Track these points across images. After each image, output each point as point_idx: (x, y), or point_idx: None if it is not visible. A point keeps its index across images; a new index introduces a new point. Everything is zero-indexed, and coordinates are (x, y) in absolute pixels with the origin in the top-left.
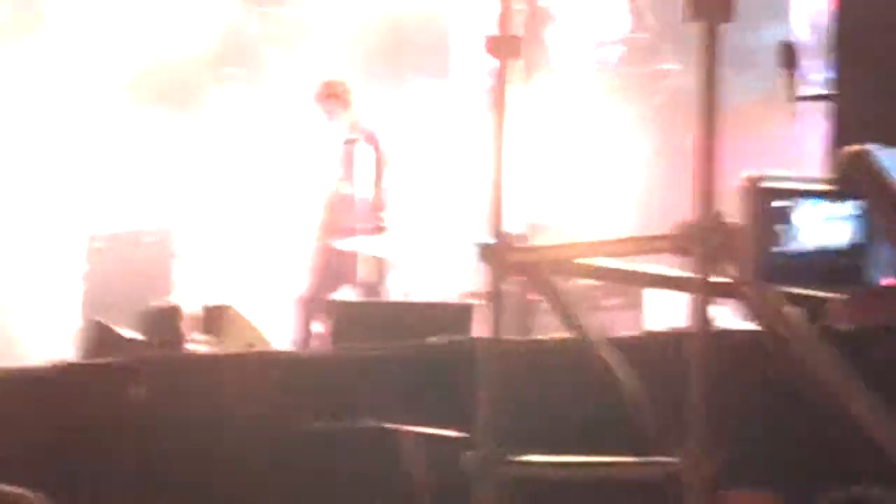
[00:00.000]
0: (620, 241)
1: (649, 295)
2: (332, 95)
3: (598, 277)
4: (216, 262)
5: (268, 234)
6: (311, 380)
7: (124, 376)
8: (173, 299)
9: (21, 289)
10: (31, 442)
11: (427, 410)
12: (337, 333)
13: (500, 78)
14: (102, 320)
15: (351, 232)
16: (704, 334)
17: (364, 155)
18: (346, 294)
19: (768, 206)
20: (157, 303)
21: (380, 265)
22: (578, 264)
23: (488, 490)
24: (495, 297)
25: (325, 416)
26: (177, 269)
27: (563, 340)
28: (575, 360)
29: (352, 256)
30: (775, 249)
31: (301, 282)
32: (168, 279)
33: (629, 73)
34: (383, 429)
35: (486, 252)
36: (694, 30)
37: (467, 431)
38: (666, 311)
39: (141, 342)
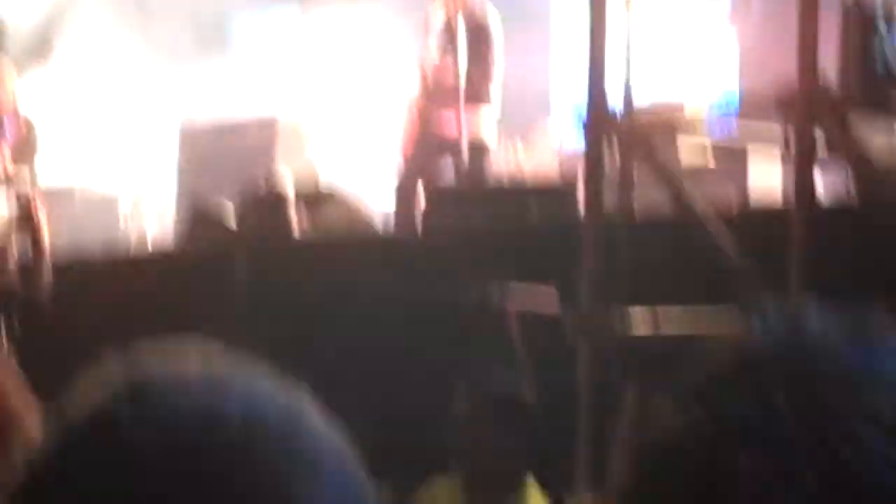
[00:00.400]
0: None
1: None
2: None
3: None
4: (318, 148)
5: (368, 113)
6: (412, 260)
7: (227, 262)
8: (279, 187)
9: (117, 175)
10: (129, 327)
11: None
12: (432, 217)
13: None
14: (204, 208)
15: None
16: (806, 199)
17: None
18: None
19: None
20: (263, 189)
21: (481, 150)
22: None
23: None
24: (597, 164)
25: (430, 291)
26: (280, 159)
27: (665, 214)
28: (677, 231)
29: (452, 140)
30: None
31: (399, 156)
32: (271, 169)
33: None
34: (489, 304)
35: (591, 119)
36: None
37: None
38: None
39: (244, 229)
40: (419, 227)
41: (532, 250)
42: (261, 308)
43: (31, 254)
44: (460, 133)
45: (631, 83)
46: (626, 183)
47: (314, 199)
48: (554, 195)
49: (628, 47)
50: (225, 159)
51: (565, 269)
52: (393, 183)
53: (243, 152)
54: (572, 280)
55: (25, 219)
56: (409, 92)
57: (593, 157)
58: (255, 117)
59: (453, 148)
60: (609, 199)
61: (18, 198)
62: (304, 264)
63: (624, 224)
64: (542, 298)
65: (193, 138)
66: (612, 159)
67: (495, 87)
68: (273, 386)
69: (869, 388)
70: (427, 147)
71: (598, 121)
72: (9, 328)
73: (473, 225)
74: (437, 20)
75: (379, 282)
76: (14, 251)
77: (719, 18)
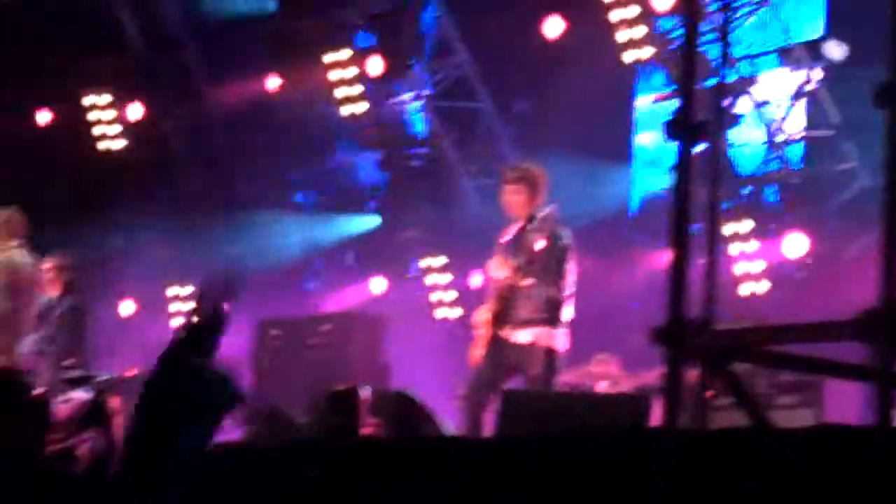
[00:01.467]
0: (805, 326)
1: (830, 392)
2: (522, 180)
3: (780, 365)
4: (390, 348)
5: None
6: (483, 467)
7: (298, 459)
8: (352, 384)
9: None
10: None
11: (602, 499)
12: (506, 422)
13: (685, 159)
14: (276, 404)
15: (525, 324)
16: (885, 428)
17: (544, 246)
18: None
19: None
20: (335, 387)
21: (552, 359)
22: (761, 350)
23: None
24: (673, 382)
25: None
26: (354, 356)
27: (741, 431)
28: (753, 454)
29: (524, 349)
30: None
31: (470, 372)
32: (344, 365)
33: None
34: None
35: (666, 335)
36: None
37: None
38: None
39: (314, 425)
40: (488, 433)
41: (605, 457)
42: None
43: (102, 443)
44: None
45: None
46: (701, 398)
47: (386, 399)
48: (627, 405)
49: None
50: (299, 353)
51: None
52: (462, 390)
53: (319, 347)
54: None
55: (97, 408)
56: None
57: (671, 373)
58: (331, 311)
59: (523, 357)
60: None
61: (90, 387)
62: (372, 464)
63: (698, 440)
64: None
65: (266, 333)
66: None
67: (567, 308)
68: None
69: None
70: (496, 354)
71: (676, 334)
72: None
73: (547, 430)
74: (510, 234)
75: (446, 485)
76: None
77: None
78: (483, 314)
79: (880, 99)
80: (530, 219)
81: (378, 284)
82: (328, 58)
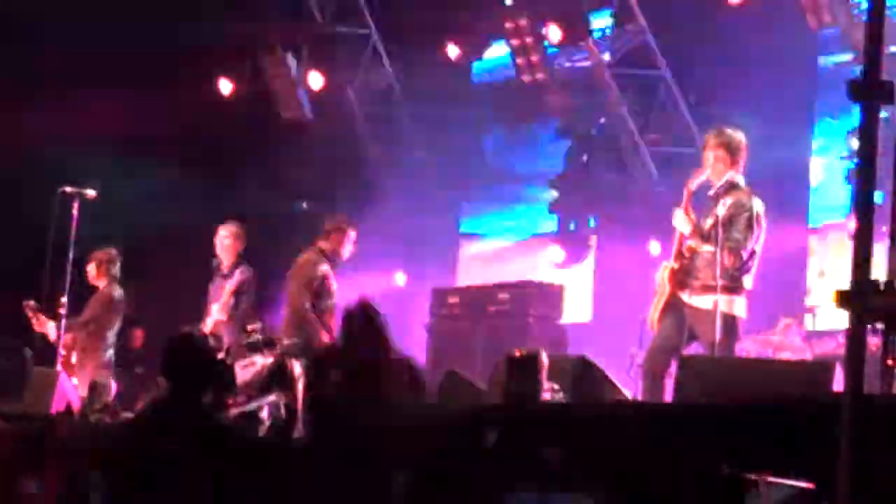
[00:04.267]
0: None
1: None
2: (723, 146)
3: None
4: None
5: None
6: (664, 431)
7: (479, 423)
8: (531, 350)
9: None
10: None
11: (782, 465)
12: (684, 388)
13: (869, 122)
14: (456, 370)
15: (705, 290)
16: None
17: (732, 212)
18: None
19: None
20: (518, 352)
21: (733, 326)
22: None
23: None
24: (856, 345)
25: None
26: (532, 324)
27: None
28: None
29: (704, 314)
30: None
31: (648, 335)
32: (522, 333)
33: None
34: (741, 478)
35: (849, 297)
36: None
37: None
38: None
39: (494, 390)
40: (669, 397)
41: (786, 424)
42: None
43: (283, 410)
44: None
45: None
46: (885, 363)
47: (565, 364)
48: (810, 372)
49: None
50: (474, 321)
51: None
52: (639, 353)
53: (495, 315)
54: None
55: (280, 373)
56: (665, 260)
57: (854, 336)
58: (508, 281)
59: (702, 323)
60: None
61: (274, 351)
62: (552, 429)
63: (885, 407)
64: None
65: (444, 300)
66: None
67: (749, 276)
68: None
69: None
70: (676, 318)
71: (860, 296)
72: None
73: (727, 396)
74: (695, 187)
75: (625, 449)
76: (268, 404)
77: None
78: (664, 272)
79: (854, 92)
80: (725, 184)
81: (555, 253)
82: (508, 25)
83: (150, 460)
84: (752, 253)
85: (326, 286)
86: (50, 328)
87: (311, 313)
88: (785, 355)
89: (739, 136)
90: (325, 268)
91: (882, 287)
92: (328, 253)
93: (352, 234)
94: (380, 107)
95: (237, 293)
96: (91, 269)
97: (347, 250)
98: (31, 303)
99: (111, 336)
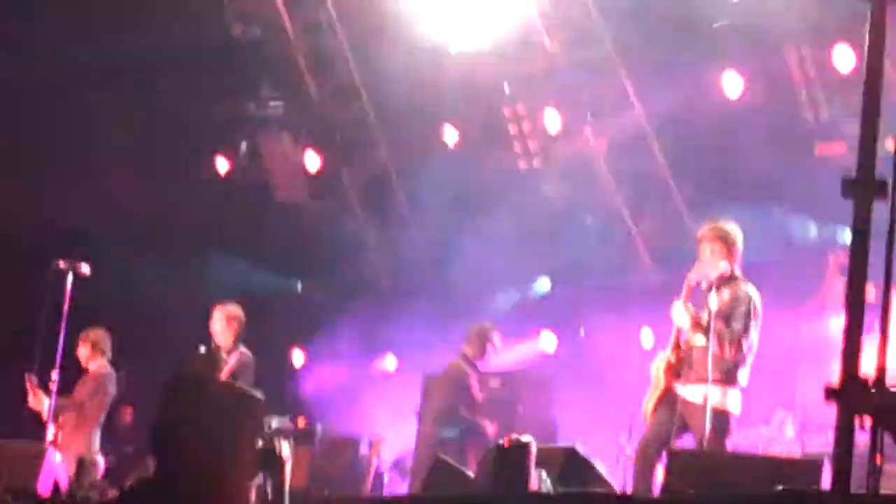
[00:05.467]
0: None
1: None
2: (719, 240)
3: None
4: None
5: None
6: None
7: None
8: (523, 438)
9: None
10: None
11: None
12: (674, 481)
13: (862, 218)
14: (444, 457)
15: (699, 382)
16: None
17: (729, 306)
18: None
19: None
20: (507, 440)
21: (725, 420)
22: None
23: None
24: (844, 441)
25: None
26: (522, 413)
27: None
28: None
29: (696, 407)
30: None
31: (641, 428)
32: (512, 421)
33: None
34: None
35: (838, 393)
36: None
37: None
38: None
39: (484, 479)
40: (658, 489)
41: None
42: None
43: (270, 490)
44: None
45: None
46: (874, 460)
47: (555, 453)
48: (799, 468)
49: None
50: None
51: None
52: (629, 444)
53: (487, 402)
54: None
55: (267, 455)
56: (660, 352)
57: (842, 431)
58: (500, 369)
59: (694, 416)
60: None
61: (262, 433)
62: None
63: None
64: None
65: (433, 386)
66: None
67: (744, 370)
68: None
69: None
70: (669, 409)
71: (850, 394)
72: None
73: (714, 491)
74: (695, 281)
75: None
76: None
77: None
78: (659, 363)
79: (847, 188)
80: (721, 277)
81: (548, 342)
82: (506, 110)
83: None
84: (750, 346)
85: (472, 389)
86: (45, 405)
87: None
88: (776, 450)
89: (735, 229)
90: (470, 372)
91: (871, 383)
92: (471, 357)
93: (495, 337)
94: (376, 190)
95: (233, 375)
96: (82, 349)
97: (490, 352)
98: (33, 377)
99: (101, 416)
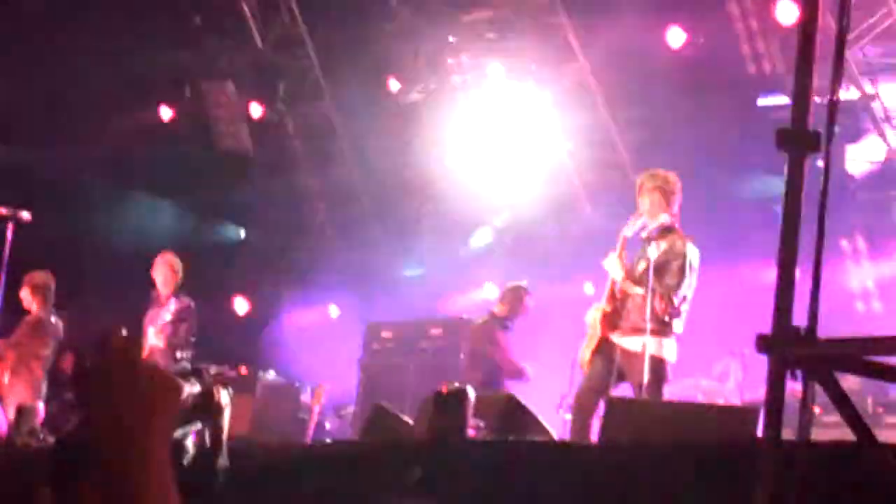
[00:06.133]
0: None
1: None
2: (658, 189)
3: (887, 378)
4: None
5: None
6: (586, 472)
7: (400, 459)
8: (459, 386)
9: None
10: None
11: None
12: (610, 429)
13: (795, 171)
14: (383, 404)
15: (635, 332)
16: None
17: (665, 257)
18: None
19: None
20: (444, 387)
21: (661, 369)
22: (868, 361)
23: None
24: (775, 391)
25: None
26: (463, 360)
27: (845, 444)
28: (861, 467)
29: (633, 356)
30: None
31: (578, 376)
32: (454, 369)
33: None
34: None
35: (768, 344)
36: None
37: None
38: None
39: (421, 425)
40: (596, 437)
41: (708, 468)
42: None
43: (210, 436)
44: (643, 352)
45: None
46: (806, 407)
47: (493, 401)
48: (735, 416)
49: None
50: (407, 356)
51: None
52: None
53: (428, 351)
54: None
55: (206, 402)
56: (596, 302)
57: (774, 380)
58: (441, 317)
59: (631, 365)
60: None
61: (201, 379)
62: (476, 462)
63: (802, 450)
64: None
65: (377, 334)
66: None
67: (679, 320)
68: None
69: None
70: (606, 359)
71: (780, 342)
72: None
73: (652, 438)
74: (631, 234)
75: (551, 487)
76: (193, 433)
77: None
78: (595, 313)
79: (780, 140)
80: (658, 227)
81: (490, 290)
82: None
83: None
84: (684, 298)
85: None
86: None
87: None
88: (717, 400)
89: (674, 179)
90: (499, 332)
91: (803, 333)
92: (501, 317)
93: (527, 299)
94: (319, 139)
95: (174, 321)
96: (25, 293)
97: (521, 313)
98: None
99: (42, 361)
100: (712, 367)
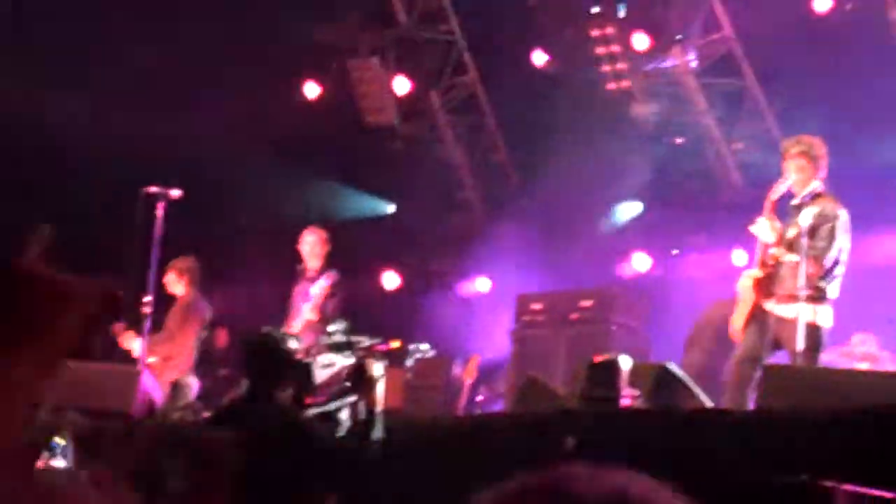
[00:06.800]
0: None
1: None
2: (804, 154)
3: None
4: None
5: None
6: (743, 439)
7: (553, 430)
8: (612, 356)
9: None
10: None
11: (865, 472)
12: (768, 397)
13: None
14: (536, 375)
15: (789, 299)
16: None
17: (816, 222)
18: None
19: None
20: (597, 358)
21: (817, 335)
22: None
23: None
24: None
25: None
26: (615, 331)
27: None
28: None
29: (787, 323)
30: None
31: (735, 343)
32: (605, 340)
33: None
34: (820, 485)
35: None
36: None
37: None
38: None
39: (574, 395)
40: (751, 405)
41: (866, 435)
42: None
43: (364, 409)
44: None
45: None
46: None
47: (647, 371)
48: (890, 382)
49: None
50: (557, 327)
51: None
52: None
53: (578, 322)
54: None
55: (359, 374)
56: (748, 266)
57: None
58: (592, 288)
59: (786, 332)
60: None
61: (355, 353)
62: (629, 431)
63: None
64: None
65: (528, 306)
66: None
67: (833, 285)
68: None
69: None
70: (760, 327)
71: None
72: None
73: (809, 406)
74: (777, 193)
75: (706, 456)
76: (346, 406)
77: None
78: (747, 280)
79: None
80: (807, 193)
81: (641, 261)
82: (594, 32)
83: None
84: (836, 262)
85: None
86: (135, 345)
87: None
88: (865, 366)
89: (820, 144)
90: None
91: None
92: None
93: None
94: (464, 113)
95: (326, 295)
96: (170, 278)
97: None
98: (119, 325)
99: (194, 343)
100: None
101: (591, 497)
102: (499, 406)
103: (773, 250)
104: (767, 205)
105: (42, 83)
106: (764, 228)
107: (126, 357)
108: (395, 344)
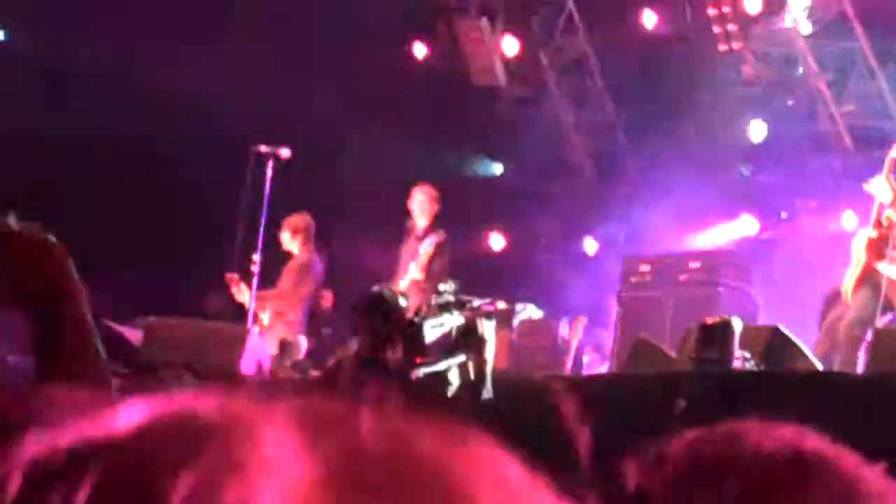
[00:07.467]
0: None
1: None
2: None
3: None
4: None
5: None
6: (854, 402)
7: (664, 391)
8: (724, 318)
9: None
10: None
11: None
12: (879, 359)
13: None
14: (646, 336)
15: None
16: None
17: None
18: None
19: None
20: (708, 320)
21: None
22: None
23: None
24: None
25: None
26: (722, 295)
27: None
28: None
29: None
30: None
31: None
32: (713, 303)
33: None
34: None
35: None
36: None
37: None
38: None
39: (685, 357)
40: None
41: None
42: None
43: (474, 369)
44: None
45: None
46: None
47: (759, 333)
48: None
49: None
50: (665, 290)
51: None
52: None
53: (686, 284)
54: None
55: (469, 334)
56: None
57: None
58: (700, 250)
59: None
60: None
61: (464, 312)
62: (740, 393)
63: None
64: None
65: (635, 268)
66: None
67: None
68: None
69: None
70: (872, 288)
71: None
72: None
73: None
74: None
75: (818, 419)
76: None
77: None
78: (861, 239)
79: None
80: None
81: (749, 224)
82: None
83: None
84: None
85: None
86: (246, 297)
87: None
88: None
89: None
90: None
91: None
92: None
93: None
94: (573, 73)
95: (434, 254)
96: (285, 235)
97: None
98: (235, 275)
99: (304, 301)
100: None
101: (766, 447)
102: (605, 367)
103: (888, 211)
104: (888, 162)
105: (166, 41)
106: (881, 187)
107: (238, 315)
108: (502, 305)
